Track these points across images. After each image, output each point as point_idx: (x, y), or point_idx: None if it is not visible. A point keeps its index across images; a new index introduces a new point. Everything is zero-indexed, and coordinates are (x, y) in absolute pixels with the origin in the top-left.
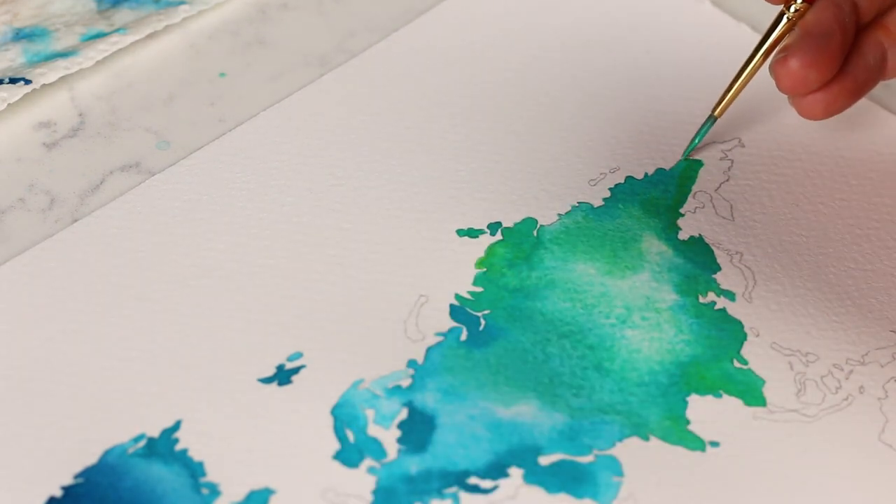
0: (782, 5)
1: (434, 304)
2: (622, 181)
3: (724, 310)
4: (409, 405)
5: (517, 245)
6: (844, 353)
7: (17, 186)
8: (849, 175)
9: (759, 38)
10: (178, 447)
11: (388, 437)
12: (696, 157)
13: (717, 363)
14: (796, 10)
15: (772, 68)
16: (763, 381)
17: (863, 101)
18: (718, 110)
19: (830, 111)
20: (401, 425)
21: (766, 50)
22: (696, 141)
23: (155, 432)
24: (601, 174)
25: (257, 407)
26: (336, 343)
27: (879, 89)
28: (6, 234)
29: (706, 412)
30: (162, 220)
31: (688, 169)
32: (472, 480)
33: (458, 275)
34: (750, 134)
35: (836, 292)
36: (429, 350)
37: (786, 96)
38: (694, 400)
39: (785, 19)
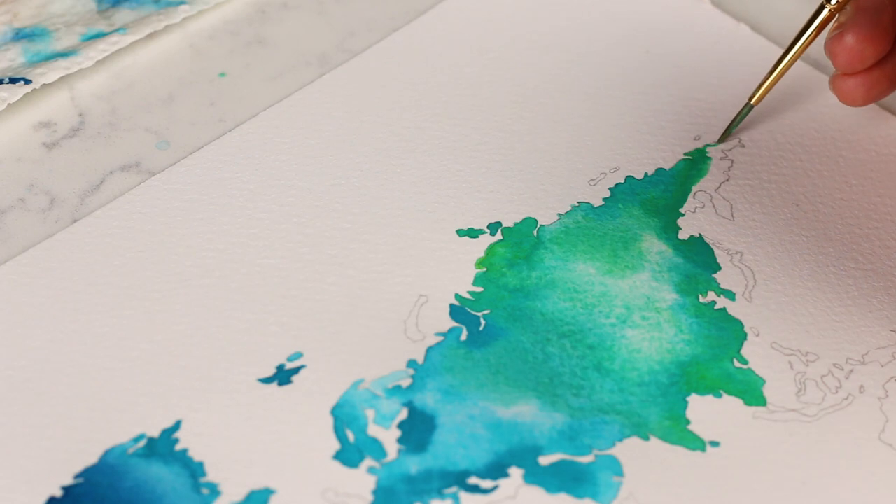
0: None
1: (434, 304)
2: (622, 181)
3: (724, 309)
4: (409, 405)
5: (517, 245)
6: (844, 353)
7: (17, 186)
8: (849, 175)
9: (758, 38)
10: (178, 447)
11: (388, 437)
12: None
13: (717, 363)
14: (837, 1)
15: (827, 46)
16: (763, 381)
17: None
18: (756, 98)
19: (871, 96)
20: (401, 425)
21: (805, 40)
22: (733, 128)
23: (155, 432)
24: (601, 174)
25: (257, 407)
26: (336, 343)
27: None
28: (6, 234)
29: (706, 412)
30: (162, 220)
31: (688, 169)
32: (472, 480)
33: (458, 275)
34: (750, 134)
35: (836, 292)
36: (429, 350)
37: (783, 97)
38: (694, 400)
39: (826, 11)
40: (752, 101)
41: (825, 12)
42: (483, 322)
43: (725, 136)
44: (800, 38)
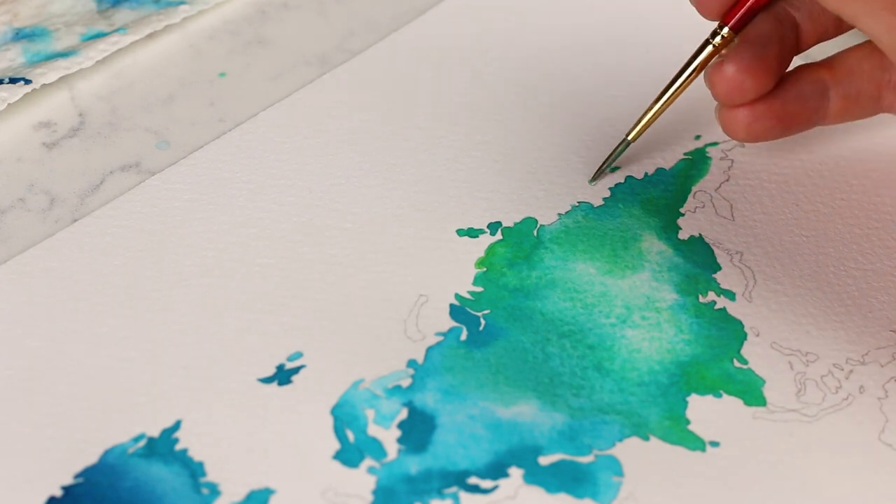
0: (708, 35)
1: (434, 304)
2: (622, 181)
3: (724, 309)
4: (409, 405)
5: (517, 245)
6: (844, 353)
7: (17, 186)
8: (849, 175)
9: None
10: (178, 447)
11: (388, 437)
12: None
13: (717, 363)
14: (722, 38)
15: (707, 75)
16: (763, 381)
17: None
18: (633, 134)
19: (752, 131)
20: (401, 425)
21: (686, 77)
22: (608, 165)
23: (155, 432)
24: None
25: (257, 407)
26: (336, 343)
27: None
28: (6, 234)
29: (706, 412)
30: (162, 220)
31: (688, 169)
32: (472, 480)
33: (458, 275)
34: None
35: (836, 292)
36: (429, 350)
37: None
38: (694, 400)
39: (710, 47)
40: (629, 138)
41: (709, 48)
42: (483, 322)
43: (599, 173)
44: (680, 76)
